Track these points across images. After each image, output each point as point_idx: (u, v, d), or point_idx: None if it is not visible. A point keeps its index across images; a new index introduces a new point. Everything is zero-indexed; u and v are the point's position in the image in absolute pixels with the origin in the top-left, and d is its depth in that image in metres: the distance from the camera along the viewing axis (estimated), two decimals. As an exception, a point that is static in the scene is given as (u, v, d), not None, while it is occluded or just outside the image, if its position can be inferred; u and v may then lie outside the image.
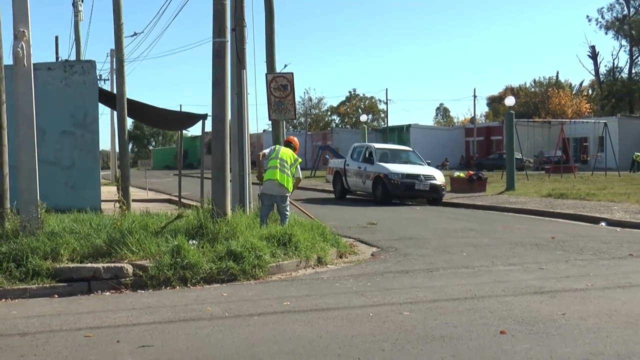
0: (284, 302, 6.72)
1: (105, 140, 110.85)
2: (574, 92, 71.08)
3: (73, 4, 28.65)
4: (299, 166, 10.97)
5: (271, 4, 14.45)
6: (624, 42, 70.13)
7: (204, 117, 16.15)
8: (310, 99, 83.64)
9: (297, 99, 63.85)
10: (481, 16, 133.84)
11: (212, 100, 9.74)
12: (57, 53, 36.19)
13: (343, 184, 22.30)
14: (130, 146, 38.51)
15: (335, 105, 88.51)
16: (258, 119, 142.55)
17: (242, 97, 11.74)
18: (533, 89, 74.86)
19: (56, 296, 7.30)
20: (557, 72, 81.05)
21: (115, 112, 16.36)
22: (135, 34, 30.35)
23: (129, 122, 23.66)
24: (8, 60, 9.51)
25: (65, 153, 13.60)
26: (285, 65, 20.44)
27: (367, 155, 21.55)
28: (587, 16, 73.32)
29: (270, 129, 15.70)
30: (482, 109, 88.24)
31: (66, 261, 7.86)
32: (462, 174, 25.66)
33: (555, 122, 46.28)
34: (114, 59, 16.50)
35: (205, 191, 13.65)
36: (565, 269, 8.54)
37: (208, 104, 9.97)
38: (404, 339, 5.28)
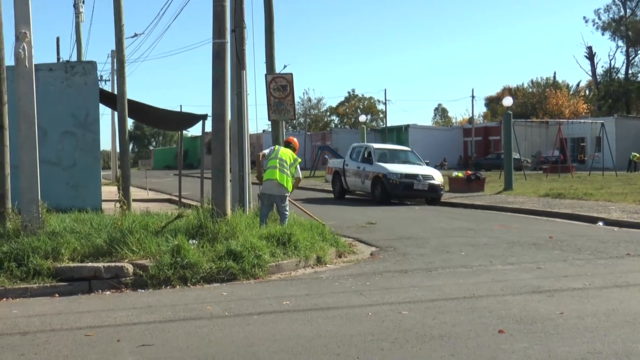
0: (283, 301, 6.75)
1: (106, 141, 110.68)
2: (571, 93, 71.16)
3: (74, 6, 28.70)
4: (298, 166, 11.00)
5: (270, 5, 14.49)
6: (620, 43, 70.24)
7: (204, 117, 16.18)
8: (309, 100, 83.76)
9: (297, 99, 64.05)
10: (479, 17, 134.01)
11: (212, 100, 9.78)
12: (58, 54, 36.22)
13: (342, 184, 22.34)
14: (130, 146, 38.53)
15: (334, 105, 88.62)
16: (258, 120, 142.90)
17: (242, 98, 11.78)
18: (531, 90, 74.91)
19: (57, 295, 7.33)
20: (555, 73, 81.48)
21: (116, 113, 16.40)
22: (135, 34, 30.38)
23: (130, 122, 23.69)
24: (10, 61, 9.57)
25: (66, 153, 13.64)
26: (285, 66, 20.46)
27: (366, 155, 21.58)
28: (584, 17, 73.30)
29: (270, 129, 15.72)
30: (480, 109, 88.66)
31: (67, 261, 7.89)
32: (460, 174, 25.70)
33: (552, 122, 46.30)
34: (115, 60, 16.52)
35: (205, 191, 13.68)
36: (563, 269, 8.59)
37: (208, 105, 10.01)
38: (403, 338, 5.32)
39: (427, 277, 8.11)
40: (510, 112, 25.23)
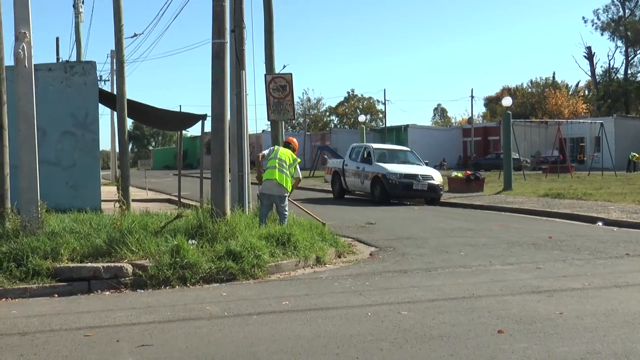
0: (282, 301, 6.76)
1: (106, 141, 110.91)
2: (570, 93, 71.22)
3: (74, 6, 28.69)
4: (298, 166, 11.00)
5: (270, 5, 14.49)
6: (619, 43, 70.31)
7: (203, 117, 16.19)
8: (309, 100, 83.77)
9: (296, 99, 63.81)
10: (478, 18, 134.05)
11: (212, 100, 9.78)
12: (57, 54, 36.21)
13: (341, 184, 22.35)
14: (130, 146, 38.53)
15: (333, 105, 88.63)
16: (257, 120, 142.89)
17: (241, 98, 11.78)
18: (530, 90, 74.96)
19: (56, 296, 7.33)
20: (554, 73, 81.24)
21: (115, 113, 16.39)
22: (135, 35, 30.39)
23: (129, 122, 23.66)
24: (9, 61, 9.57)
25: (65, 153, 13.64)
26: (284, 66, 20.47)
27: (365, 156, 21.59)
28: (583, 17, 73.40)
29: (269, 130, 15.73)
30: (480, 109, 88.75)
31: (66, 261, 7.89)
32: (459, 174, 25.71)
33: (552, 122, 46.31)
34: (114, 60, 16.54)
35: (205, 191, 13.68)
36: (562, 269, 8.59)
37: (207, 105, 10.01)
38: (402, 338, 5.32)
39: (426, 277, 8.11)
40: (510, 112, 25.25)
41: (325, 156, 38.54)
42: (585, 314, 6.07)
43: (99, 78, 29.37)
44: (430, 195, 20.15)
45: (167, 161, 73.29)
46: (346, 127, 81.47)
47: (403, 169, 20.33)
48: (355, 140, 38.54)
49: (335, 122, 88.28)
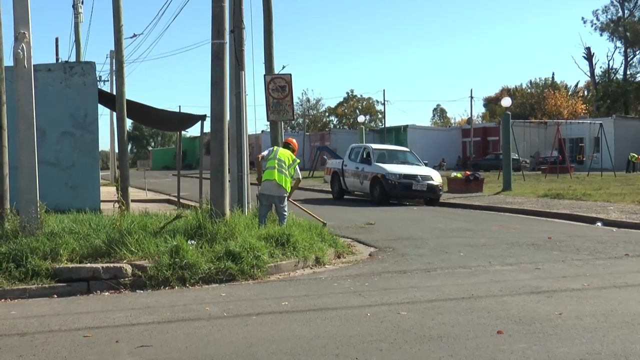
0: (282, 302, 6.76)
1: (105, 141, 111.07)
2: (569, 93, 71.16)
3: (73, 6, 28.71)
4: (297, 167, 11.00)
5: (269, 5, 14.49)
6: (618, 44, 70.34)
7: (202, 117, 16.19)
8: (308, 100, 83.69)
9: (295, 99, 64.04)
10: (478, 18, 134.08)
11: (211, 101, 9.78)
12: (57, 54, 36.19)
13: (341, 185, 22.35)
14: (129, 147, 38.53)
15: (333, 106, 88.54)
16: (256, 120, 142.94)
17: (241, 98, 11.78)
18: (529, 90, 74.94)
19: (55, 296, 7.33)
20: (553, 74, 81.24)
21: (114, 113, 16.40)
22: (134, 35, 30.43)
23: (128, 122, 23.67)
24: (9, 61, 9.56)
25: (65, 153, 13.64)
26: (284, 67, 20.53)
27: (364, 156, 21.59)
28: (582, 18, 73.51)
29: (269, 130, 15.73)
30: (479, 109, 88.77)
31: (65, 261, 7.89)
32: (459, 175, 25.72)
33: (551, 122, 46.35)
34: (114, 60, 16.54)
35: (204, 191, 13.68)
36: (561, 269, 8.60)
37: (207, 105, 10.02)
38: (402, 338, 5.32)
39: (425, 278, 8.11)
40: (509, 113, 25.26)
41: (325, 156, 38.55)
42: (584, 314, 6.08)
43: (98, 78, 29.45)
44: (429, 196, 20.15)
45: (167, 161, 73.29)
46: (345, 127, 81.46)
47: (402, 170, 20.34)
48: (354, 140, 38.54)
49: (334, 122, 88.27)
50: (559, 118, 51.72)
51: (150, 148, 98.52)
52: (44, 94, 12.76)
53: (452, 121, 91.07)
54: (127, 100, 14.49)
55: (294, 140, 11.62)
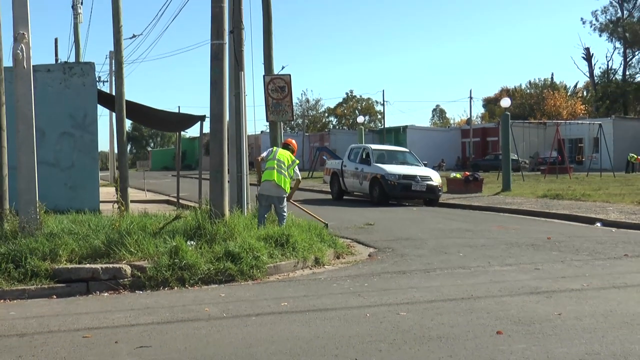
0: (281, 302, 6.76)
1: (104, 142, 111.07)
2: (568, 94, 71.21)
3: (72, 7, 28.69)
4: (297, 168, 11.00)
5: (269, 6, 14.49)
6: (617, 44, 70.37)
7: (202, 118, 16.18)
8: (307, 101, 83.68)
9: (295, 100, 63.89)
10: (477, 18, 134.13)
11: (211, 101, 9.78)
12: (56, 55, 36.17)
13: (340, 185, 22.36)
14: (128, 147, 38.55)
15: (332, 106, 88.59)
16: (256, 121, 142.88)
17: (240, 99, 11.79)
18: (528, 91, 74.98)
19: (55, 297, 7.32)
20: (552, 74, 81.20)
21: (114, 114, 16.40)
22: (134, 35, 30.45)
23: (128, 123, 23.67)
24: (8, 62, 9.56)
25: (64, 154, 13.63)
26: (283, 67, 20.52)
27: (364, 156, 21.60)
28: (582, 18, 73.63)
29: (268, 130, 15.74)
30: (478, 110, 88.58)
31: (65, 262, 7.88)
32: (458, 175, 25.73)
33: (550, 123, 46.36)
34: (113, 61, 16.54)
35: (204, 192, 13.68)
36: (561, 270, 8.60)
37: (206, 106, 10.02)
38: (401, 339, 5.32)
39: (425, 278, 8.11)
40: (508, 113, 25.26)
41: (324, 157, 38.55)
42: (583, 314, 6.08)
43: (97, 79, 29.43)
44: (429, 196, 20.16)
45: (166, 162, 73.30)
46: (345, 128, 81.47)
47: (402, 170, 20.34)
48: (354, 141, 38.55)
49: (334, 123, 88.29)
50: (558, 118, 51.77)
51: (149, 149, 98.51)
52: (43, 94, 12.76)
53: (452, 122, 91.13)
54: (127, 101, 14.49)
55: (294, 141, 11.62)
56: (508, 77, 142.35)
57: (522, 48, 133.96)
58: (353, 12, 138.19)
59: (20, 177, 8.79)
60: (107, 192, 19.90)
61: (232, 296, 7.17)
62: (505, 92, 74.87)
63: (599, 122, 38.65)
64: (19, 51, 8.66)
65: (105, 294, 7.51)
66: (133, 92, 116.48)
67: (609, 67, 71.84)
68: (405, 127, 59.62)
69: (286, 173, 10.68)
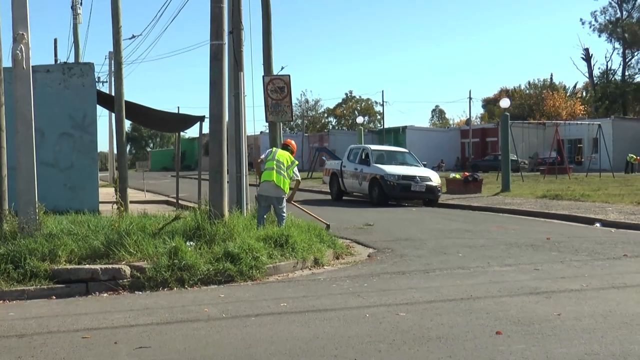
0: (280, 303, 6.76)
1: (104, 142, 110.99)
2: (568, 94, 71.26)
3: (72, 7, 28.71)
4: (296, 169, 11.00)
5: (268, 7, 14.50)
6: (617, 45, 70.46)
7: (201, 118, 16.19)
8: (307, 101, 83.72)
9: (294, 100, 63.76)
10: (476, 19, 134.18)
11: (210, 102, 9.78)
12: (55, 55, 36.20)
13: (339, 185, 22.36)
14: (128, 148, 38.55)
15: (331, 107, 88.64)
16: (255, 121, 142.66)
17: (240, 99, 11.79)
18: (528, 91, 75.04)
19: (54, 297, 7.32)
20: (552, 75, 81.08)
21: (113, 114, 16.39)
22: (133, 36, 30.51)
23: (127, 123, 23.65)
24: (7, 62, 9.54)
25: (63, 155, 13.62)
26: (282, 68, 20.46)
27: (363, 157, 21.61)
28: (581, 19, 73.76)
29: (268, 131, 15.75)
30: (478, 110, 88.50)
31: (64, 262, 7.88)
32: (457, 175, 25.74)
33: (549, 123, 46.41)
34: (112, 61, 16.54)
35: (203, 192, 13.68)
36: (560, 270, 8.60)
37: (206, 106, 10.03)
38: (401, 339, 5.32)
39: (424, 279, 8.11)
40: (508, 114, 25.29)
41: (324, 157, 38.59)
42: (583, 315, 6.08)
43: (97, 79, 29.37)
44: (428, 197, 20.17)
45: (165, 162, 73.31)
46: (344, 128, 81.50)
47: (401, 171, 20.35)
48: (353, 141, 38.56)
49: (333, 123, 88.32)
50: (557, 119, 51.78)
51: (149, 149, 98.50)
52: (42, 95, 12.75)
53: (451, 122, 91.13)
54: (126, 101, 14.48)
55: (293, 142, 11.63)
56: (507, 78, 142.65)
57: (521, 48, 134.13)
58: (353, 12, 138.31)
59: (20, 178, 8.79)
60: (107, 193, 19.91)
61: (232, 297, 7.16)
62: (505, 92, 74.92)
63: (598, 123, 38.69)
64: (18, 52, 8.66)
65: (105, 295, 7.50)
66: (132, 93, 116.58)
67: (608, 68, 71.98)
68: (404, 128, 59.66)
69: (285, 174, 10.68)
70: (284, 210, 10.73)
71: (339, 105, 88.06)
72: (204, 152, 31.68)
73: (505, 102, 28.57)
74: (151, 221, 9.70)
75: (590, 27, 70.84)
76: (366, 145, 23.72)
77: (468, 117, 68.85)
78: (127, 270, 7.81)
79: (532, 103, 68.87)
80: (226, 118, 10.31)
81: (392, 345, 5.18)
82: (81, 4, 28.70)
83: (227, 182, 10.55)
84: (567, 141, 47.13)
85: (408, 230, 13.38)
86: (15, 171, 8.87)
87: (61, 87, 13.67)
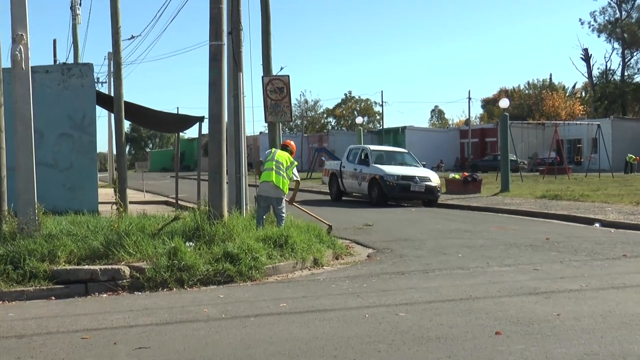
0: (280, 303, 6.76)
1: (103, 143, 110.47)
2: (567, 94, 71.31)
3: (71, 8, 28.72)
4: (295, 169, 11.00)
5: (267, 7, 14.52)
6: (616, 45, 70.49)
7: (200, 119, 16.19)
8: (306, 101, 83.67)
9: (293, 101, 63.74)
10: (476, 19, 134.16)
11: (209, 102, 9.79)
12: (55, 56, 36.24)
13: (339, 186, 22.36)
14: (127, 148, 38.57)
15: (331, 107, 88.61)
16: (254, 121, 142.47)
17: (239, 100, 11.79)
18: (527, 91, 75.08)
19: (53, 298, 7.32)
20: (551, 75, 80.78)
21: (112, 115, 16.38)
22: (132, 37, 30.62)
23: (127, 124, 23.68)
24: (6, 63, 9.54)
25: (62, 155, 13.61)
26: (282, 68, 20.43)
27: (362, 157, 21.61)
28: (580, 19, 73.87)
29: (267, 131, 15.75)
30: (477, 111, 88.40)
31: (63, 263, 7.88)
32: (457, 176, 25.75)
33: (549, 123, 46.45)
34: (112, 62, 16.54)
35: (202, 193, 13.67)
36: (559, 270, 8.60)
37: (205, 107, 10.04)
38: (400, 340, 5.33)
39: (424, 279, 8.12)
40: (507, 114, 25.29)
41: (323, 158, 38.59)
42: (582, 315, 6.08)
43: (96, 80, 29.36)
44: (427, 197, 20.17)
45: (165, 163, 73.25)
46: (343, 128, 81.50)
47: (400, 171, 20.36)
48: (352, 142, 38.56)
49: (332, 124, 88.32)
50: (556, 119, 51.82)
51: (148, 150, 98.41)
52: (41, 95, 12.75)
53: (450, 122, 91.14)
54: (125, 102, 14.48)
55: (292, 143, 11.63)
56: (507, 78, 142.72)
57: (521, 48, 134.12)
58: (352, 12, 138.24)
59: (19, 178, 8.79)
60: (106, 193, 19.91)
61: (231, 297, 7.16)
62: (504, 92, 74.95)
63: (598, 123, 38.70)
64: (17, 52, 8.66)
65: (104, 295, 7.50)
66: (132, 93, 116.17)
67: (608, 68, 72.02)
68: (403, 128, 59.68)
69: (285, 174, 10.68)
70: (284, 210, 10.74)
71: (338, 105, 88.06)
72: (203, 153, 31.67)
73: (504, 103, 28.57)
74: (150, 222, 9.70)
75: (590, 27, 70.93)
76: (365, 146, 23.73)
77: (467, 117, 68.89)
78: (127, 270, 7.81)
79: (532, 103, 68.93)
80: (225, 118, 10.31)
81: (391, 345, 5.18)
82: (80, 4, 28.74)
83: (227, 182, 10.55)
84: (567, 141, 47.17)
85: (407, 230, 13.38)
86: (15, 172, 8.87)
87: (60, 87, 13.67)
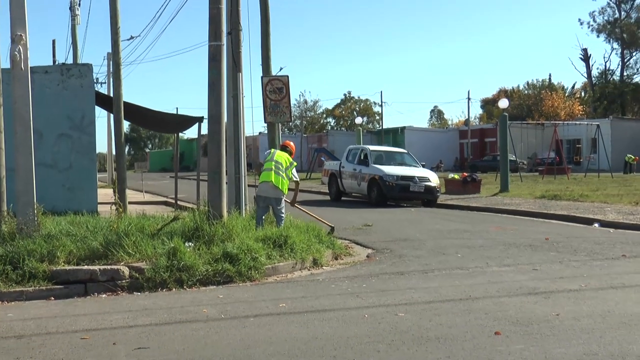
0: (279, 303, 6.76)
1: (102, 143, 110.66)
2: (566, 95, 71.37)
3: (70, 8, 28.73)
4: (294, 170, 11.01)
5: (267, 8, 14.52)
6: (615, 45, 70.55)
7: (200, 119, 16.19)
8: (305, 102, 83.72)
9: (293, 101, 63.84)
10: (475, 19, 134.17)
11: (209, 103, 9.79)
12: (54, 56, 36.27)
13: (338, 186, 22.37)
14: (126, 149, 38.56)
15: (330, 107, 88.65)
16: (254, 122, 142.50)
17: (238, 100, 11.80)
18: (526, 92, 75.14)
19: (52, 298, 7.32)
20: (550, 75, 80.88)
21: (112, 115, 16.38)
22: (132, 37, 30.58)
23: (126, 124, 23.68)
24: (5, 63, 9.54)
25: (62, 155, 13.62)
26: (281, 68, 20.46)
27: (362, 157, 21.62)
28: (579, 19, 73.91)
29: (266, 132, 15.76)
30: (476, 111, 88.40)
31: (63, 263, 7.88)
32: (456, 176, 25.75)
33: (548, 124, 46.48)
34: (111, 62, 16.54)
35: (202, 193, 13.68)
36: (559, 270, 8.61)
37: (204, 107, 10.06)
38: (399, 340, 5.33)
39: (423, 279, 8.12)
40: (506, 114, 25.29)
41: (322, 158, 38.59)
42: (581, 315, 6.09)
43: (95, 80, 29.39)
44: (427, 197, 20.18)
45: (164, 163, 73.27)
46: (343, 129, 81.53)
47: (400, 171, 20.36)
48: (352, 142, 38.57)
49: (332, 124, 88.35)
50: (556, 119, 51.86)
51: (147, 150, 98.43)
52: (41, 96, 12.76)
53: (450, 123, 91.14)
54: (125, 102, 14.49)
55: (292, 143, 11.64)
56: (506, 78, 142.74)
57: (520, 48, 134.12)
58: (352, 12, 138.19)
59: (18, 179, 8.79)
60: (105, 194, 19.89)
61: (230, 297, 7.16)
62: (503, 93, 74.99)
63: (597, 123, 38.74)
64: (16, 53, 8.66)
65: (103, 296, 7.50)
66: (131, 94, 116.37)
67: (607, 68, 72.07)
68: (403, 128, 59.69)
69: (284, 175, 10.68)
70: (283, 211, 10.74)
71: (337, 105, 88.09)
72: (202, 153, 31.69)
73: (503, 103, 28.59)
74: (150, 222, 9.70)
75: (589, 27, 70.95)
76: (365, 146, 23.75)
77: (467, 117, 68.91)
78: (126, 271, 7.81)
79: (531, 103, 68.98)
80: (225, 119, 10.31)
81: (391, 345, 5.18)
82: (79, 5, 28.79)
83: (226, 182, 10.55)
84: (566, 141, 47.17)
85: (407, 230, 13.38)
86: (14, 172, 8.87)
87: (59, 88, 13.67)
